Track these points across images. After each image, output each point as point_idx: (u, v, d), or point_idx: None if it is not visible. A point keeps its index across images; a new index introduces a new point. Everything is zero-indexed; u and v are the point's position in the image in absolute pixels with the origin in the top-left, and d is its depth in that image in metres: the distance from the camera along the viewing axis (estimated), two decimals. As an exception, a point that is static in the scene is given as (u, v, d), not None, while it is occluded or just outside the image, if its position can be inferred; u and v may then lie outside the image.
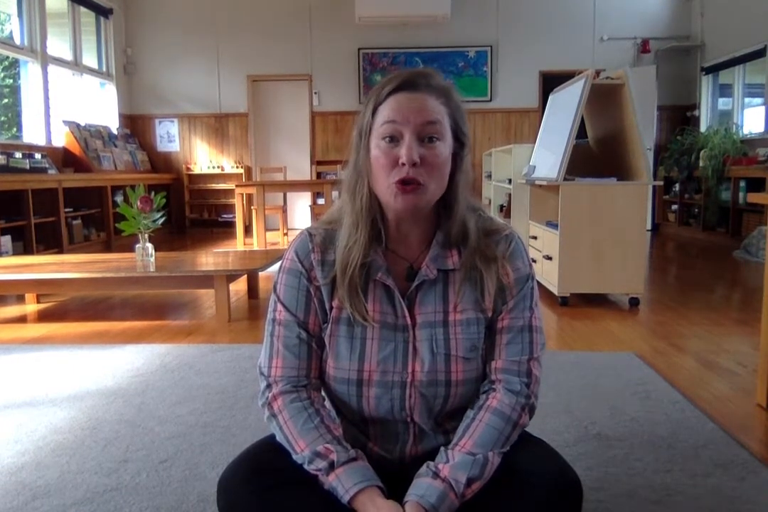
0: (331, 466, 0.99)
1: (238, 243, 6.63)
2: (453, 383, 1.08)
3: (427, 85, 1.04)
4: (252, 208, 6.80)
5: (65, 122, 7.02)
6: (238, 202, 6.61)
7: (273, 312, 1.13)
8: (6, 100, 7.48)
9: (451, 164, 1.07)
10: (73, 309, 3.75)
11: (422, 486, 0.98)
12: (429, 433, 1.12)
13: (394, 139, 1.02)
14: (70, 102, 7.45)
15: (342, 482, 0.98)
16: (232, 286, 3.57)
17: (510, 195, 5.88)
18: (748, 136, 6.87)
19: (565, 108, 3.84)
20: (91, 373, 2.48)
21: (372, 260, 1.08)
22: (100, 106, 8.03)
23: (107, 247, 6.75)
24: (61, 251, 5.78)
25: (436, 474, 0.99)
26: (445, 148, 1.04)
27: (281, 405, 1.07)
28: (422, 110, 1.02)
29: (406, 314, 1.09)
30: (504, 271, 1.10)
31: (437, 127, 1.02)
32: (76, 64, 7.43)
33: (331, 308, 1.10)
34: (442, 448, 1.05)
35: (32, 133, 6.67)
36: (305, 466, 1.01)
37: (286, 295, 1.12)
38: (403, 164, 1.00)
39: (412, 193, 1.02)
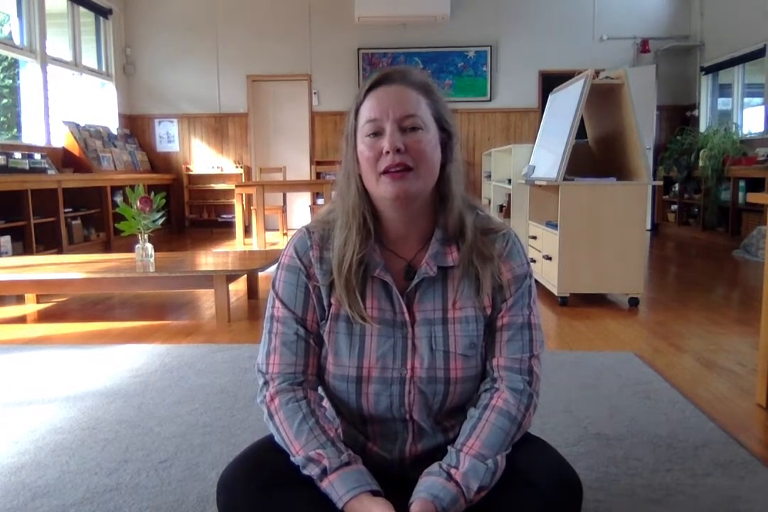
0: (324, 472, 0.99)
1: (238, 243, 6.63)
2: (452, 380, 1.08)
3: (403, 79, 1.06)
4: (251, 208, 6.80)
5: (65, 122, 7.01)
6: (237, 202, 6.61)
7: (271, 308, 1.14)
8: (5, 101, 7.48)
9: (441, 155, 1.08)
10: (73, 309, 3.75)
11: (437, 486, 0.98)
12: (428, 431, 1.12)
13: (377, 134, 1.04)
14: (69, 102, 7.44)
15: (335, 489, 0.98)
16: (232, 286, 3.57)
17: (510, 195, 5.88)
18: (748, 136, 6.86)
19: (564, 108, 3.84)
20: (91, 373, 2.48)
21: (369, 258, 1.08)
22: (99, 106, 8.02)
23: (107, 248, 6.75)
24: (60, 251, 5.77)
25: (450, 477, 0.99)
26: (428, 135, 1.05)
27: (278, 405, 1.07)
28: (399, 103, 1.04)
29: (405, 311, 1.09)
30: (501, 270, 1.10)
31: (416, 119, 1.04)
32: (75, 65, 7.43)
33: (330, 305, 1.11)
34: (450, 448, 1.04)
35: (32, 134, 6.66)
36: (301, 470, 1.01)
37: (285, 292, 1.12)
38: (387, 152, 1.02)
39: (402, 179, 1.03)
